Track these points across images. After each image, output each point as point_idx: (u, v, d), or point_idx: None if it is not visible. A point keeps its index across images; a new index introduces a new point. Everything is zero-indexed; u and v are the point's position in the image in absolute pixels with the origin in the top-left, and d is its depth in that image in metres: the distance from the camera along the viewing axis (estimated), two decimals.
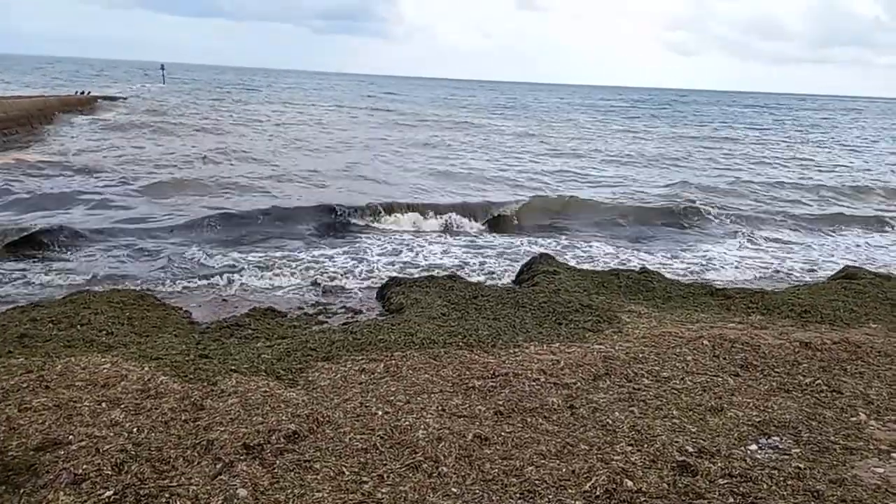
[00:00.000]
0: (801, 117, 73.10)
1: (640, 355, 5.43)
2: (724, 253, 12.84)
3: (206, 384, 4.54)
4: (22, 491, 3.23)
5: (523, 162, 25.16)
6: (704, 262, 11.95)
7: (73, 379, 4.47)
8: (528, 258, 10.20)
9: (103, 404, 4.11)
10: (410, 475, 3.50)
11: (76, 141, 24.33)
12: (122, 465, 3.40)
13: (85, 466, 3.38)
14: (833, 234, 15.60)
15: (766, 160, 29.54)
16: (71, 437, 3.68)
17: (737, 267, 11.60)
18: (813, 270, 11.62)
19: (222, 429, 3.85)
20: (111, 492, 3.20)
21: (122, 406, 4.10)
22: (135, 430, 3.81)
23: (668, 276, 9.34)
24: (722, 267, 11.62)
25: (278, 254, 11.02)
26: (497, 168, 22.83)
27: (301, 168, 20.19)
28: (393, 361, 5.15)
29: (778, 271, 11.53)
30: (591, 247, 12.71)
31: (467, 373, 5.00)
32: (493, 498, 3.31)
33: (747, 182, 22.02)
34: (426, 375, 4.91)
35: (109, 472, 3.34)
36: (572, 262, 10.55)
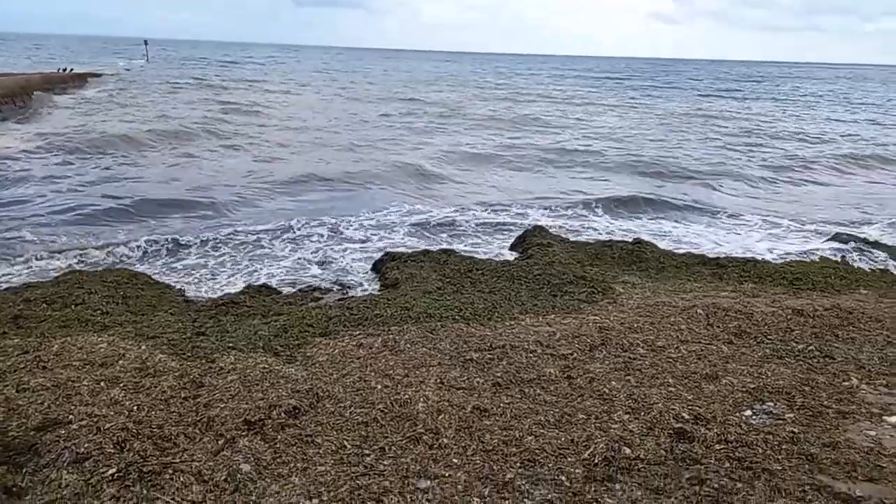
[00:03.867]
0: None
1: (635, 325, 5.47)
2: None
3: (204, 361, 4.55)
4: (24, 470, 3.24)
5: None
6: None
7: (70, 359, 4.46)
8: (522, 230, 10.20)
9: (102, 383, 4.11)
10: (412, 447, 3.53)
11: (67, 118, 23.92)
12: (123, 443, 3.42)
13: (86, 445, 3.39)
14: None
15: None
16: (71, 416, 3.68)
17: None
18: None
19: (223, 405, 3.87)
20: (114, 469, 3.21)
21: (121, 385, 4.11)
22: (135, 408, 3.82)
23: (661, 246, 9.37)
24: None
25: None
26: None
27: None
28: (390, 336, 5.17)
29: None
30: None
31: (464, 346, 5.03)
32: (495, 468, 3.35)
33: None
34: (424, 349, 4.93)
35: (111, 450, 3.36)
36: None
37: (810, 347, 5.06)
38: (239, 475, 3.21)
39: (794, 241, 11.41)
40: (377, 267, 8.67)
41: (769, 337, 5.29)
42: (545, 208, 13.45)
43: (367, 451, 3.48)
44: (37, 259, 8.51)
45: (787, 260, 8.54)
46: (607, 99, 46.94)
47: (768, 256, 9.38)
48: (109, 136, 18.92)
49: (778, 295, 6.57)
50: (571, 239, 9.89)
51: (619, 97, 49.07)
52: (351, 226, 11.26)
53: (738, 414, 3.94)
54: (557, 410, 3.96)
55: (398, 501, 3.04)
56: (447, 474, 3.29)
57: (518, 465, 3.39)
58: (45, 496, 3.05)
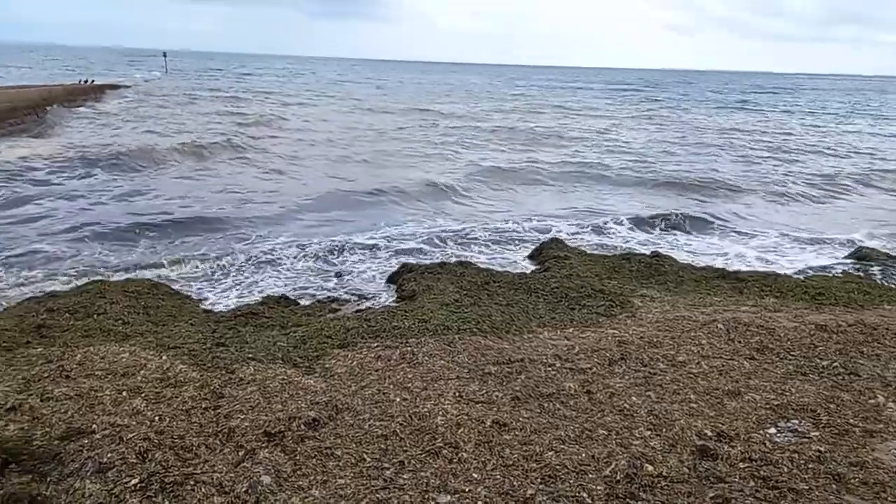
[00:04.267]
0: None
1: (655, 340, 5.43)
2: None
3: (224, 372, 4.57)
4: (49, 479, 3.27)
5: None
6: None
7: (92, 368, 4.51)
8: (538, 243, 10.17)
9: (124, 393, 4.14)
10: (431, 461, 3.52)
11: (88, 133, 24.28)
12: (145, 454, 3.44)
13: (109, 455, 3.41)
14: None
15: None
16: (94, 426, 3.71)
17: None
18: None
19: (243, 416, 3.88)
20: (136, 479, 3.23)
21: (143, 395, 4.14)
22: (156, 418, 3.84)
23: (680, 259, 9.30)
24: None
25: None
26: None
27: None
28: (408, 348, 5.17)
29: None
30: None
31: (482, 359, 5.01)
32: (515, 483, 3.33)
33: None
34: (442, 362, 4.92)
35: (134, 461, 3.38)
36: None
37: (835, 364, 4.98)
38: (259, 487, 3.21)
39: (816, 255, 11.28)
40: (394, 279, 8.68)
41: (792, 353, 5.22)
42: (562, 219, 13.44)
43: (386, 465, 3.47)
44: (57, 272, 8.63)
45: (809, 275, 8.44)
46: (624, 111, 46.80)
47: (789, 271, 9.28)
48: (131, 150, 19.02)
49: (800, 310, 6.49)
50: (589, 252, 9.84)
51: (635, 109, 48.89)
52: (368, 238, 11.31)
53: (762, 431, 3.89)
54: (577, 426, 3.93)
55: None
56: (467, 489, 3.27)
57: (539, 480, 3.37)
58: None
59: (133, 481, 3.22)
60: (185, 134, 23.58)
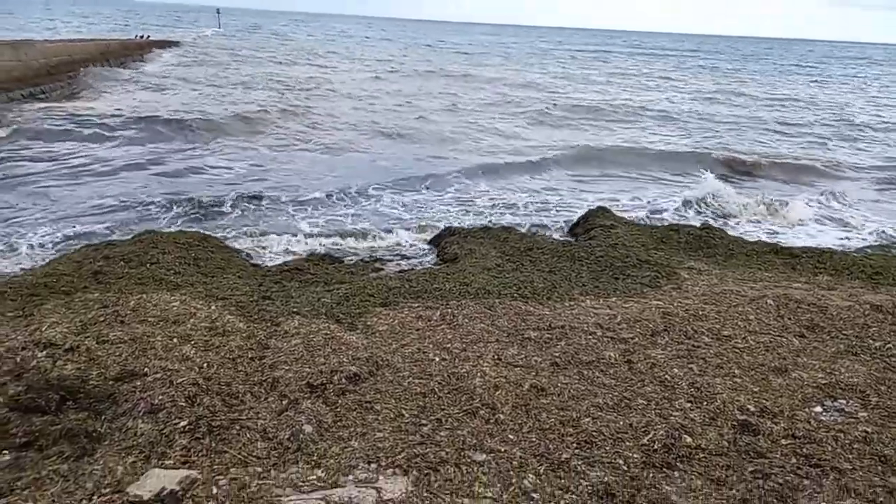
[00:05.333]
0: None
1: (700, 313, 5.32)
2: None
3: (269, 324, 4.70)
4: (103, 417, 3.44)
5: None
6: None
7: (145, 315, 4.68)
8: (585, 211, 10.03)
9: (174, 340, 4.30)
10: (468, 420, 3.56)
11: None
12: (194, 398, 3.58)
13: (160, 397, 3.56)
14: None
15: None
16: (146, 369, 3.88)
17: None
18: None
19: (287, 368, 3.99)
20: (185, 422, 3.37)
21: (192, 342, 4.29)
22: (205, 365, 3.99)
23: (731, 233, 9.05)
24: None
25: None
26: None
27: None
28: (449, 310, 5.20)
29: None
30: None
31: (523, 324, 5.01)
32: (551, 447, 3.35)
33: None
34: (482, 325, 4.94)
35: (183, 404, 3.52)
36: None
37: (889, 345, 4.81)
38: (301, 435, 3.32)
39: (876, 234, 10.82)
40: (437, 241, 8.71)
41: (844, 332, 5.05)
42: (610, 191, 13.17)
43: (424, 422, 3.53)
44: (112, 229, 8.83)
45: (867, 253, 8.11)
46: (693, 80, 44.18)
47: (847, 247, 8.94)
48: (189, 117, 18.31)
49: (855, 289, 6.25)
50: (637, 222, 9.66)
51: (700, 76, 46.45)
52: (413, 200, 11.33)
53: (807, 409, 3.80)
54: (616, 394, 3.91)
55: (454, 472, 3.08)
56: (503, 449, 3.31)
57: (574, 445, 3.38)
58: (121, 443, 3.23)
59: (182, 423, 3.36)
60: (238, 100, 22.58)
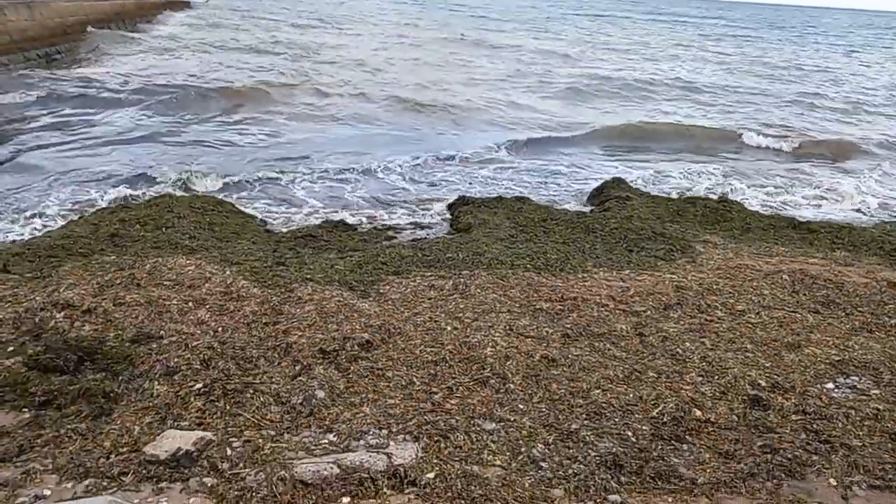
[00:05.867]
0: None
1: (714, 287, 5.29)
2: None
3: (283, 291, 4.73)
4: (120, 378, 3.51)
5: None
6: None
7: (161, 278, 4.74)
8: (600, 182, 9.94)
9: (190, 303, 4.35)
10: (479, 389, 3.59)
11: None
12: (209, 361, 3.63)
13: (176, 359, 3.62)
14: None
15: None
16: (162, 332, 3.93)
17: None
18: None
19: (300, 333, 4.03)
20: (201, 384, 3.43)
21: (207, 306, 4.34)
22: (220, 329, 4.04)
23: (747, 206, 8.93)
24: None
25: None
26: None
27: None
28: (461, 280, 5.21)
29: None
30: None
31: (535, 295, 5.01)
32: (560, 417, 3.37)
33: None
34: (494, 295, 4.95)
35: (198, 367, 3.58)
36: None
37: None
38: (314, 400, 3.37)
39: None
40: (450, 210, 8.68)
41: (860, 309, 5.01)
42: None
43: (434, 389, 3.57)
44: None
45: (887, 229, 7.98)
46: (723, 49, 41.08)
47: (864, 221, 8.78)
48: (203, 86, 17.65)
49: (873, 265, 6.18)
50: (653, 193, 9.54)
51: (730, 46, 43.92)
52: (430, 172, 11.25)
53: (818, 386, 3.79)
54: (627, 367, 3.92)
55: (464, 440, 3.12)
56: (512, 419, 3.34)
57: (584, 416, 3.40)
58: (138, 403, 3.30)
59: (197, 386, 3.42)
60: (252, 67, 21.86)
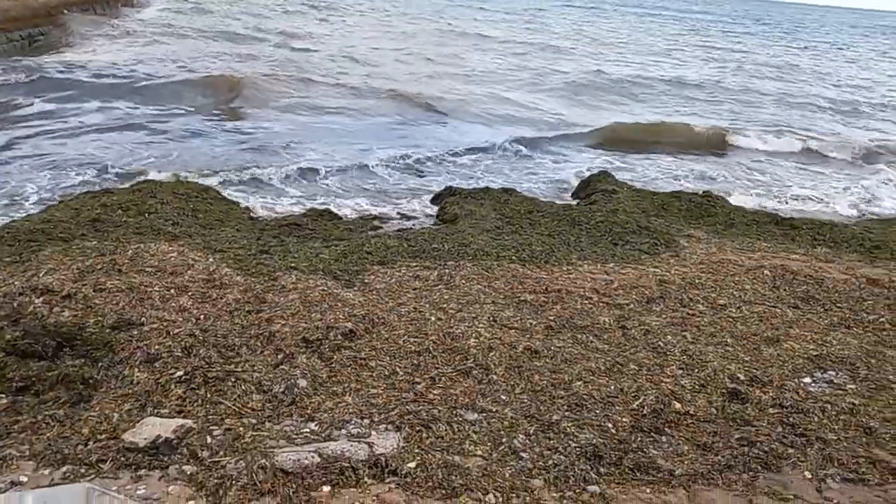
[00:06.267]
0: None
1: (697, 281, 5.34)
2: None
3: (267, 279, 4.71)
4: (100, 364, 3.48)
5: None
6: None
7: (143, 265, 4.69)
8: (587, 175, 9.96)
9: (172, 290, 4.32)
10: (461, 380, 3.60)
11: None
12: (191, 349, 3.61)
13: (157, 346, 3.60)
14: None
15: None
16: (143, 318, 3.90)
17: None
18: None
19: (283, 322, 4.02)
20: (181, 372, 3.41)
21: (190, 293, 4.30)
22: (202, 316, 4.01)
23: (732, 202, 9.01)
24: None
25: None
26: None
27: None
28: (446, 270, 5.21)
29: None
30: None
31: (519, 287, 5.03)
32: (541, 408, 3.40)
33: None
34: (478, 286, 4.96)
35: (179, 354, 3.56)
36: None
37: (882, 319, 4.84)
38: (296, 389, 3.36)
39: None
40: (437, 201, 8.67)
41: (838, 305, 5.08)
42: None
43: (417, 380, 3.58)
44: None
45: (867, 226, 8.08)
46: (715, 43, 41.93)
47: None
48: (190, 77, 16.95)
49: (853, 262, 6.26)
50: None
51: (718, 40, 44.72)
52: (416, 160, 11.21)
53: (796, 380, 3.85)
54: (609, 359, 3.95)
55: (446, 430, 3.13)
56: (494, 409, 3.36)
57: (565, 407, 3.43)
58: (118, 390, 3.28)
59: (178, 373, 3.40)
60: (240, 55, 21.14)
